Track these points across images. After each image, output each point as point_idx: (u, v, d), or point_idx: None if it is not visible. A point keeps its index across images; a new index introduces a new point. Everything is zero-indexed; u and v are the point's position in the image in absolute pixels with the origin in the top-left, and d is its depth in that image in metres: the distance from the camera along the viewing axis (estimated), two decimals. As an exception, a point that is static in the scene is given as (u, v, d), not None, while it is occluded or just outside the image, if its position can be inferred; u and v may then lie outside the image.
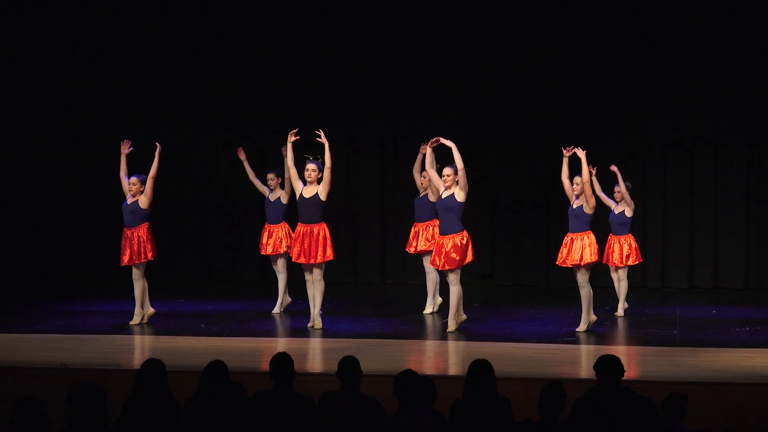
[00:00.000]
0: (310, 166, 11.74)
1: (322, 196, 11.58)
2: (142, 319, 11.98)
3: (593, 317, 11.62)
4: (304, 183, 11.76)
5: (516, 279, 15.61)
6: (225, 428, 6.36)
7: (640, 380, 9.09)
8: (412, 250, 12.96)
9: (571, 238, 11.60)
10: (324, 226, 11.68)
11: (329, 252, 11.67)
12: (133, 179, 11.97)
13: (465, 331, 11.49)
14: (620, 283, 12.64)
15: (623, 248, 12.56)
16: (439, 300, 12.76)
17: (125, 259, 11.89)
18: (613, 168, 12.59)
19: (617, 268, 12.65)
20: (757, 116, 15.05)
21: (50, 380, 8.90)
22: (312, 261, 11.61)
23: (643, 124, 15.36)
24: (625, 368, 6.79)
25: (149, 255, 11.88)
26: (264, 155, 15.95)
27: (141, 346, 11.22)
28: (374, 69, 15.60)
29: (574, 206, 11.64)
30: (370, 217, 15.97)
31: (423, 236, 12.77)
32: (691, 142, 15.28)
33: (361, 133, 15.89)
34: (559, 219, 15.01)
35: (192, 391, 6.81)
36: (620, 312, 12.62)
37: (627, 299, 12.76)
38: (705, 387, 8.72)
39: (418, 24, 15.42)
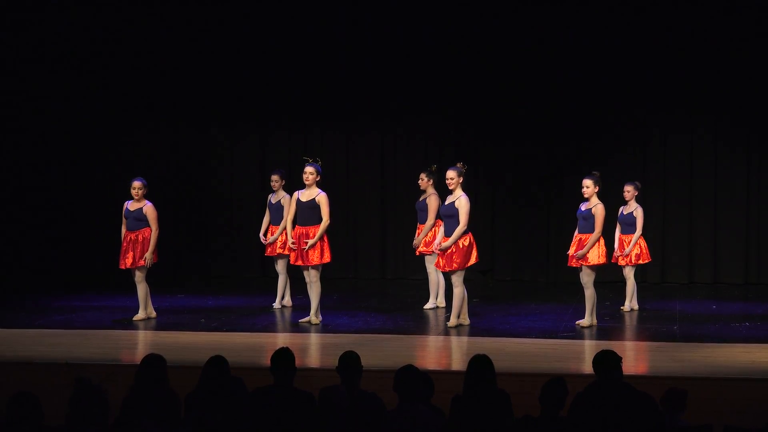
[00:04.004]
0: (308, 169, 11.69)
1: (323, 208, 11.54)
2: (146, 319, 11.97)
3: (595, 321, 11.61)
4: (303, 187, 11.74)
5: (516, 274, 15.62)
6: (225, 423, 6.37)
7: (640, 375, 9.11)
8: (417, 252, 12.93)
9: (580, 239, 11.58)
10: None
11: (326, 255, 11.65)
12: (137, 183, 11.87)
13: (465, 327, 11.50)
14: (627, 281, 12.64)
15: (633, 247, 12.56)
16: (443, 304, 12.72)
17: (128, 262, 11.82)
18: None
19: (625, 266, 12.65)
20: (758, 112, 15.05)
21: (50, 375, 8.93)
22: (309, 263, 11.60)
23: (643, 123, 15.36)
24: (624, 364, 6.80)
25: (153, 257, 11.83)
26: (264, 155, 15.97)
27: (141, 342, 11.24)
28: (374, 68, 15.60)
29: (583, 209, 11.61)
30: (370, 213, 15.97)
31: (424, 239, 12.73)
32: (691, 137, 15.28)
33: (361, 128, 15.89)
34: (559, 215, 15.06)
35: (192, 386, 6.82)
36: (626, 308, 12.63)
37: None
38: (705, 382, 8.72)
39: (418, 22, 15.41)
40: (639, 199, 12.79)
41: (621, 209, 12.72)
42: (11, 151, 15.87)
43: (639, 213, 12.57)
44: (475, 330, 11.38)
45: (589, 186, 11.55)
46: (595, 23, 15.08)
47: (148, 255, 11.71)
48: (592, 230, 11.46)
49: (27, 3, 15.60)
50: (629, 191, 12.62)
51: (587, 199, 11.58)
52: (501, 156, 15.57)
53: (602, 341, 10.65)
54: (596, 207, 11.47)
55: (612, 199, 13.00)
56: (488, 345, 10.14)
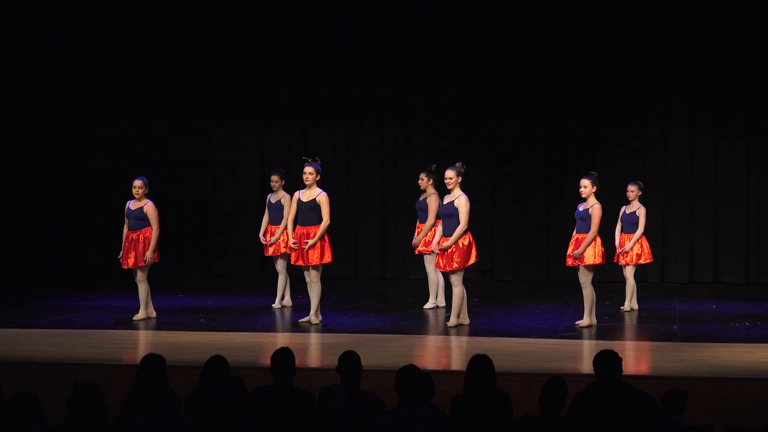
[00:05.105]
0: (308, 169, 11.67)
1: (323, 208, 11.53)
2: (146, 319, 11.97)
3: (594, 321, 11.61)
4: (303, 186, 11.74)
5: (516, 274, 15.61)
6: (225, 423, 6.37)
7: (641, 375, 9.11)
8: (416, 252, 12.92)
9: (577, 239, 11.57)
10: None
11: (327, 255, 11.64)
12: (138, 182, 11.84)
13: (465, 327, 11.49)
14: (626, 281, 12.63)
15: (634, 247, 12.56)
16: (443, 303, 12.71)
17: (130, 262, 11.80)
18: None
19: (626, 266, 12.65)
20: (757, 112, 15.06)
21: (50, 375, 8.92)
22: (310, 264, 11.60)
23: (643, 122, 15.36)
24: (624, 364, 6.80)
25: (154, 257, 11.83)
26: (264, 154, 15.97)
27: (141, 341, 11.23)
28: (374, 67, 15.59)
29: (581, 209, 11.60)
30: (371, 212, 15.97)
31: (424, 238, 12.71)
32: (691, 137, 15.29)
33: (361, 128, 15.89)
34: (559, 214, 15.05)
35: (192, 386, 6.83)
36: (626, 308, 12.63)
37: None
38: (705, 382, 8.72)
39: (418, 22, 15.40)
40: (641, 199, 12.79)
41: (623, 209, 12.72)
42: (11, 151, 15.86)
43: (642, 213, 12.58)
44: (475, 330, 11.37)
45: (586, 186, 11.54)
46: (595, 23, 15.07)
47: (148, 254, 11.71)
48: (589, 230, 11.45)
49: (27, 3, 15.60)
50: (633, 191, 12.62)
51: (585, 199, 11.57)
52: (501, 156, 15.57)
53: (602, 341, 10.64)
54: (593, 207, 11.47)
55: (612, 199, 13.00)
56: (488, 345, 10.12)
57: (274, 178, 12.82)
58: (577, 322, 11.64)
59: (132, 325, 11.73)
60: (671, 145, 15.33)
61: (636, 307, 12.69)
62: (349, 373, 6.87)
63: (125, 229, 11.92)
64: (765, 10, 14.72)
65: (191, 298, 13.79)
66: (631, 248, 12.52)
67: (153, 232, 11.78)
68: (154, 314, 12.07)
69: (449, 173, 11.45)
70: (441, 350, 10.82)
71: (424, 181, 12.69)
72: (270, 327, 11.95)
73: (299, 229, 11.69)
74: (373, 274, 15.86)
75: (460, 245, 11.28)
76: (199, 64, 15.81)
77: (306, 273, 11.75)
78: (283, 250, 12.53)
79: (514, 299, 13.78)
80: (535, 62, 15.26)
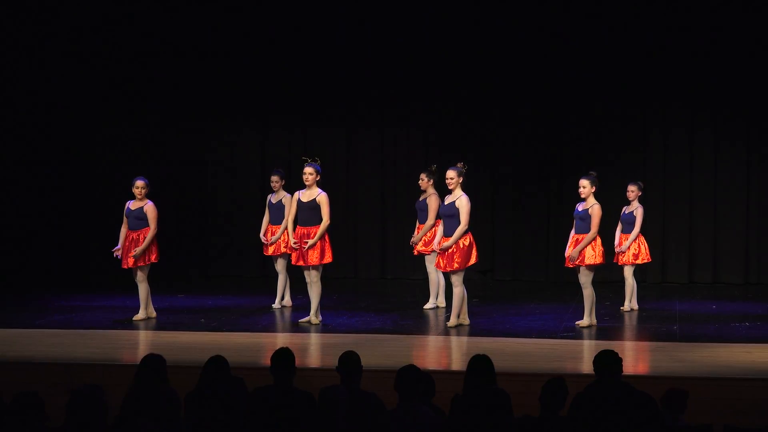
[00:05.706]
0: (308, 170, 11.67)
1: (323, 208, 11.52)
2: (146, 319, 11.97)
3: (594, 321, 11.60)
4: (303, 187, 11.74)
5: (516, 274, 15.62)
6: (225, 423, 6.37)
7: (640, 375, 9.11)
8: (415, 252, 12.92)
9: (576, 239, 11.57)
10: None
11: (327, 255, 11.64)
12: (140, 182, 11.85)
13: (465, 327, 11.49)
14: (625, 281, 12.63)
15: (632, 247, 12.56)
16: (443, 303, 12.71)
17: (130, 262, 11.81)
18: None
19: (624, 266, 12.65)
20: (757, 112, 15.07)
21: (50, 375, 8.93)
22: (310, 264, 11.59)
23: (643, 123, 15.37)
24: (624, 364, 6.80)
25: (153, 258, 11.84)
26: (264, 155, 15.96)
27: (141, 342, 11.23)
28: (374, 67, 15.60)
29: (580, 209, 11.60)
30: (371, 212, 15.97)
31: (423, 238, 12.71)
32: (691, 137, 15.30)
33: (361, 128, 15.90)
34: (559, 214, 15.05)
35: (192, 386, 6.82)
36: (626, 308, 12.63)
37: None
38: (705, 382, 8.72)
39: (418, 22, 15.40)
40: (641, 199, 12.79)
41: (624, 209, 12.73)
42: (11, 151, 15.86)
43: (639, 212, 12.58)
44: (475, 330, 11.37)
45: (585, 186, 11.53)
46: (595, 23, 15.07)
47: (138, 250, 11.69)
48: (588, 230, 11.45)
49: (27, 3, 15.60)
50: (633, 191, 12.63)
51: (584, 199, 11.57)
52: (501, 156, 15.57)
53: (602, 341, 10.64)
54: (593, 207, 11.46)
55: (612, 199, 13.00)
56: (488, 345, 10.13)
57: (274, 178, 12.82)
58: (577, 323, 11.65)
59: (132, 325, 11.73)
60: (671, 145, 15.34)
61: (636, 307, 12.69)
62: (349, 373, 6.87)
63: (124, 229, 11.92)
64: (765, 10, 14.72)
65: (191, 298, 13.79)
66: (628, 248, 12.52)
67: (150, 231, 11.78)
68: (154, 314, 12.07)
69: (450, 173, 11.45)
70: (441, 350, 10.82)
71: (424, 181, 12.69)
72: (270, 327, 11.95)
73: (299, 230, 11.69)
74: (373, 274, 15.87)
75: (461, 245, 11.28)
76: (199, 64, 15.81)
77: (306, 273, 11.75)
78: (283, 250, 12.54)
79: (514, 299, 13.78)
80: (535, 62, 15.27)
